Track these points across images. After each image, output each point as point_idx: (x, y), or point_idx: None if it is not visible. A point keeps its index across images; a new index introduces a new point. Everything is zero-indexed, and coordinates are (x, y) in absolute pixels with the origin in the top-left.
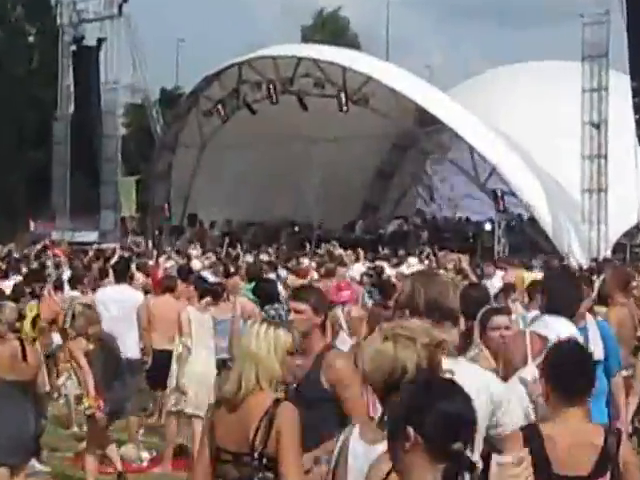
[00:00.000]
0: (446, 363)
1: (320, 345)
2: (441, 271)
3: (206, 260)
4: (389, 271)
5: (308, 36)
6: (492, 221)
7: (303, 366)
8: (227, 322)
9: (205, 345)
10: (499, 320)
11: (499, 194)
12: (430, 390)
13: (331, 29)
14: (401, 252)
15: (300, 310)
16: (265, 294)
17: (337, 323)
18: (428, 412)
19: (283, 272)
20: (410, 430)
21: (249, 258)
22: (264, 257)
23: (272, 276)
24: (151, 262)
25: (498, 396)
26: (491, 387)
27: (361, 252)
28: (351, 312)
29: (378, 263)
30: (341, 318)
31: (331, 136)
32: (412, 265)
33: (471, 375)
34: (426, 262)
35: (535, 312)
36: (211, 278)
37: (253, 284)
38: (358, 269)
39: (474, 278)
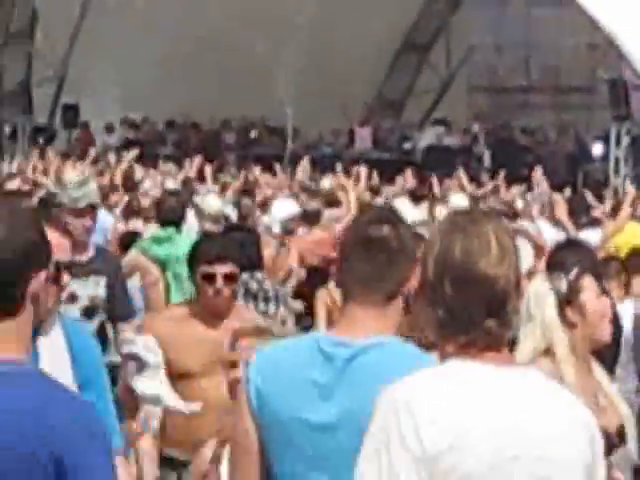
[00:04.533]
0: None
1: None
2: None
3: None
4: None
5: None
6: (606, 137)
7: None
8: None
9: None
10: None
11: (619, 85)
12: None
13: None
14: (445, 182)
15: None
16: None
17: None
18: None
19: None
20: None
21: (168, 184)
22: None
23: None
24: None
25: None
26: None
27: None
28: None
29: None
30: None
31: None
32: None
33: None
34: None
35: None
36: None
37: (165, 230)
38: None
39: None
